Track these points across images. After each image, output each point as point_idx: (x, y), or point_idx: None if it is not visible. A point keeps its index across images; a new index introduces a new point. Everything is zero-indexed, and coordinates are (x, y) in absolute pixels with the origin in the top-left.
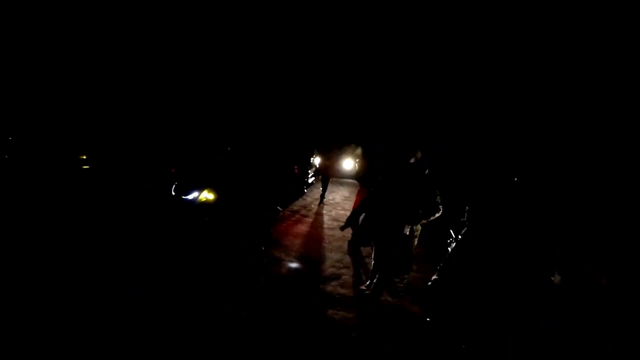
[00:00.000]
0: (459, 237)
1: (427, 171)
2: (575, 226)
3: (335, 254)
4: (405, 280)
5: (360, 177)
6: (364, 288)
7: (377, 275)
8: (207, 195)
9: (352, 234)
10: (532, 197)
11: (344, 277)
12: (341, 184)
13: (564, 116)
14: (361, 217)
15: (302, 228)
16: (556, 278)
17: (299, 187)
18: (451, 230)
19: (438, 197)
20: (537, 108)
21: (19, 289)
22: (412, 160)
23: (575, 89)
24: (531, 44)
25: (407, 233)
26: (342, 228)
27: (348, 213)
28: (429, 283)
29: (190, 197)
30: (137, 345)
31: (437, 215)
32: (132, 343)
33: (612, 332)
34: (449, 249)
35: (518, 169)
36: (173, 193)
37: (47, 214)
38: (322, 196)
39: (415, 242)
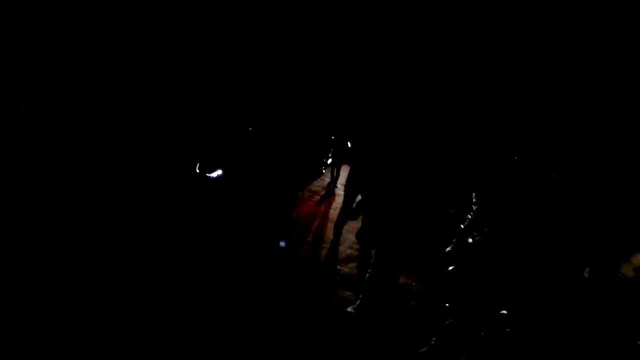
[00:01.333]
0: (474, 233)
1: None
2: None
3: (352, 236)
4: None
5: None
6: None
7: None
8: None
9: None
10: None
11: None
12: None
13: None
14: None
15: (321, 209)
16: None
17: (318, 167)
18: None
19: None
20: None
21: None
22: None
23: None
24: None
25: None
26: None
27: None
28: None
29: (214, 174)
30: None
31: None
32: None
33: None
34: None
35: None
36: (198, 170)
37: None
38: (337, 177)
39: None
